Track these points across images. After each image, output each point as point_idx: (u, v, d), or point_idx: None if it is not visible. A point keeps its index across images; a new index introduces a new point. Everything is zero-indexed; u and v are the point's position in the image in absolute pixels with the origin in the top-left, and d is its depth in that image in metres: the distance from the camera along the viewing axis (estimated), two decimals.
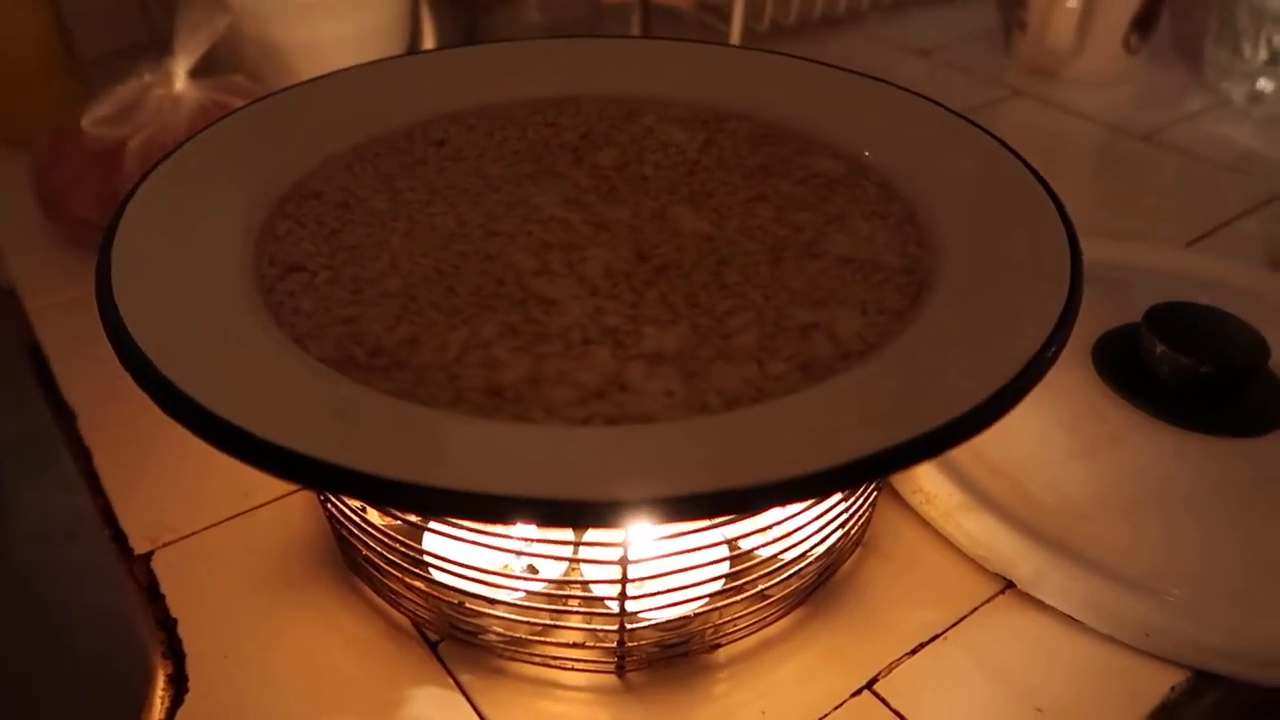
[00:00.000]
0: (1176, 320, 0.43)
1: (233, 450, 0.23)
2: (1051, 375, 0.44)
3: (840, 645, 0.34)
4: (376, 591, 0.35)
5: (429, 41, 0.67)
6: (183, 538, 0.38)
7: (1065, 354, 0.45)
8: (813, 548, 0.33)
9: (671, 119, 0.41)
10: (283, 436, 0.23)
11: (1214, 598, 0.34)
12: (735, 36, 0.73)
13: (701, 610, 0.32)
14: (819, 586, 0.36)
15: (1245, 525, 0.37)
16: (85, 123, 0.49)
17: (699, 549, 0.31)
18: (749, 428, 0.26)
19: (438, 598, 0.32)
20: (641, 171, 0.38)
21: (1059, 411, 0.42)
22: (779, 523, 0.33)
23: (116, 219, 0.32)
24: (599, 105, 0.42)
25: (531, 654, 0.33)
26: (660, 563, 0.30)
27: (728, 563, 0.33)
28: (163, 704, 0.32)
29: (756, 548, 0.34)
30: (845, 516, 0.34)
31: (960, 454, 0.40)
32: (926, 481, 0.39)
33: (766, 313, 0.31)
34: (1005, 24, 0.81)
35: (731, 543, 0.34)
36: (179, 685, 0.33)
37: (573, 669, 0.33)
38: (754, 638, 0.34)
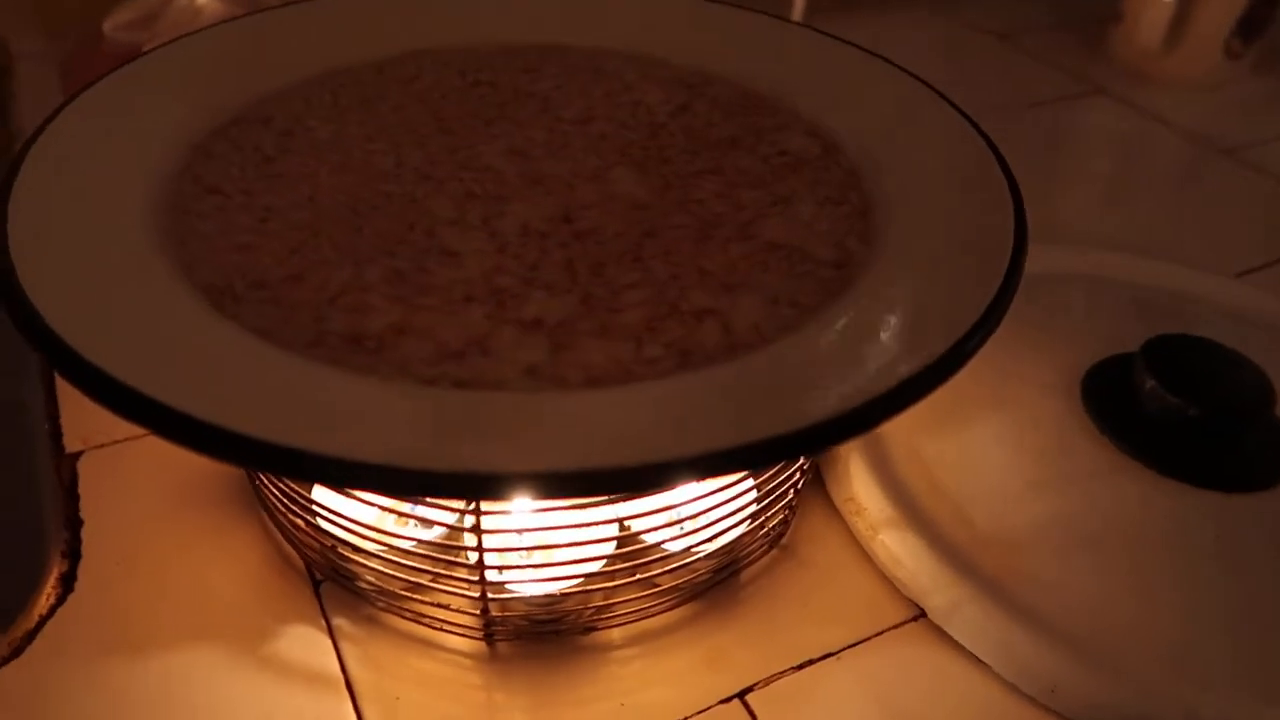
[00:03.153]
0: (1178, 354, 0.39)
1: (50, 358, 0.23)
2: (1031, 398, 0.41)
3: (725, 648, 0.33)
4: (276, 526, 0.35)
5: None
6: (114, 442, 0.38)
7: (1050, 377, 0.42)
8: (705, 541, 0.32)
9: (654, 78, 0.40)
10: (107, 362, 0.23)
11: (1137, 659, 0.31)
12: (798, 9, 0.69)
13: (575, 590, 0.31)
14: (719, 583, 0.34)
15: (1195, 586, 0.34)
16: (106, 27, 0.50)
17: (570, 526, 0.29)
18: (590, 410, 0.24)
19: (316, 538, 0.32)
20: (601, 129, 0.36)
21: (1029, 438, 0.39)
22: (669, 507, 0.32)
23: (52, 118, 0.32)
24: (584, 57, 0.41)
25: (404, 609, 0.32)
26: (528, 536, 0.29)
27: (613, 544, 0.32)
28: (48, 600, 0.33)
29: (643, 531, 0.33)
30: (749, 513, 0.32)
31: (907, 466, 0.37)
32: (860, 489, 0.36)
33: (668, 292, 0.29)
34: (1100, 14, 0.75)
35: (622, 523, 0.33)
36: (67, 585, 0.33)
37: (443, 630, 0.32)
38: (637, 626, 0.33)
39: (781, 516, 0.35)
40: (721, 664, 0.32)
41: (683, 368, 0.26)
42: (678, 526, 0.32)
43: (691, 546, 0.32)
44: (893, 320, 0.27)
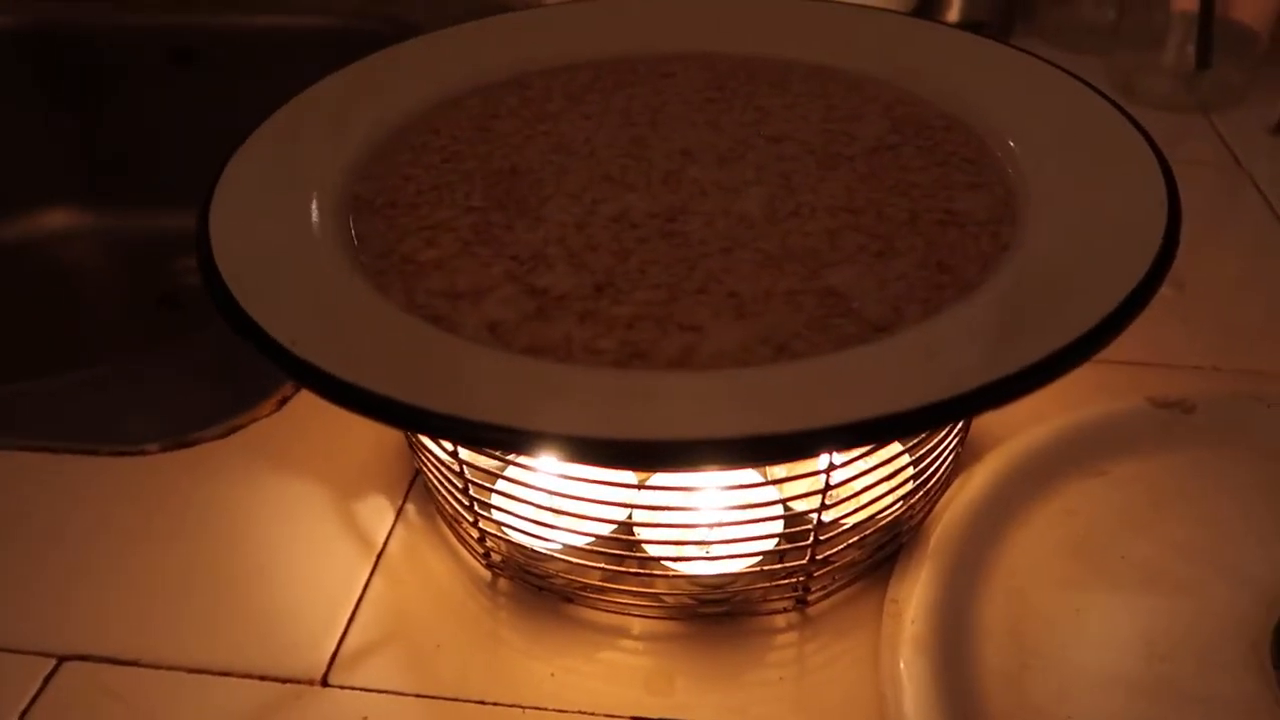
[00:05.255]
0: None
1: None
2: (1210, 594, 0.34)
3: (673, 675, 0.32)
4: None
5: None
6: None
7: (1256, 572, 0.33)
8: (690, 559, 0.31)
9: (891, 113, 0.38)
10: (215, 227, 0.30)
11: None
12: None
13: (556, 554, 0.33)
14: (723, 615, 0.33)
15: None
16: None
17: (549, 491, 0.31)
18: (512, 377, 0.26)
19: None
20: (785, 150, 0.36)
21: (1175, 638, 0.31)
22: (670, 509, 0.32)
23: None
24: (842, 82, 0.40)
25: (443, 513, 0.37)
26: (508, 485, 0.32)
27: (611, 526, 0.33)
28: (265, 410, 0.43)
29: (637, 524, 0.33)
30: (746, 550, 0.31)
31: (993, 599, 0.32)
32: (913, 594, 0.32)
33: (679, 301, 0.29)
34: None
35: (631, 514, 0.33)
36: (280, 406, 0.43)
37: (464, 545, 0.36)
38: (617, 619, 0.33)
39: (802, 582, 0.32)
40: (660, 688, 0.31)
41: (619, 365, 0.27)
42: (673, 532, 0.32)
43: (672, 558, 0.32)
44: (837, 391, 0.25)
